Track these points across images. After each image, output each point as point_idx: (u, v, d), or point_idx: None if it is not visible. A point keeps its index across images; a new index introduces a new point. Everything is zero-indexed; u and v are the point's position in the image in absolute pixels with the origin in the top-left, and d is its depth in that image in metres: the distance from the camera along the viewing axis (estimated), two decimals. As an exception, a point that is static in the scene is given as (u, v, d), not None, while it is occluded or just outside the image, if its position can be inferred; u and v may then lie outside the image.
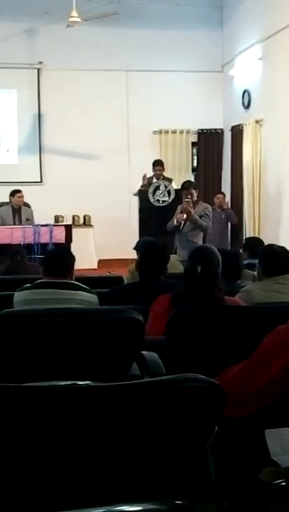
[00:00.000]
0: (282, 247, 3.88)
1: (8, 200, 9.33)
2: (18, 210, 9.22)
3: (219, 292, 3.18)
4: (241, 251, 5.90)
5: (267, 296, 3.64)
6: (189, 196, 7.73)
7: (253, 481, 1.85)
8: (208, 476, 1.90)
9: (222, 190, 11.61)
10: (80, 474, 1.55)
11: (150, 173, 9.63)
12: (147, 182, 9.49)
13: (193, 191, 7.80)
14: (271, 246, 4.01)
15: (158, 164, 9.68)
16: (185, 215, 7.64)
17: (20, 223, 9.10)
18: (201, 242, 7.66)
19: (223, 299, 3.17)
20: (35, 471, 1.52)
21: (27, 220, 9.17)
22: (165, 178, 9.54)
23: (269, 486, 1.66)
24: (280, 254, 3.76)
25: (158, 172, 9.54)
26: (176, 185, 9.42)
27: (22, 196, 9.19)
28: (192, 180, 10.85)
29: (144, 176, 9.59)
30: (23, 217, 9.19)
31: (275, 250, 3.82)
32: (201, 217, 7.66)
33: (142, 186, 9.47)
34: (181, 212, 7.70)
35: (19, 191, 9.19)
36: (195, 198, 7.81)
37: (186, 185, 7.94)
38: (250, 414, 2.03)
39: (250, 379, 2.05)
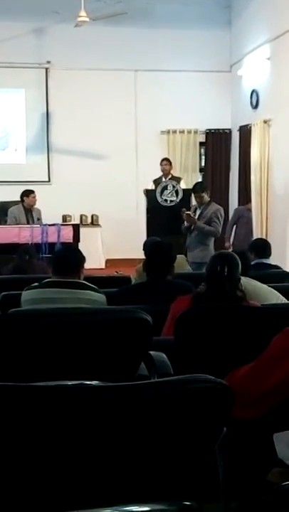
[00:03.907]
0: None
1: (16, 199, 9.30)
2: (29, 209, 9.21)
3: (242, 294, 3.16)
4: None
5: None
6: (193, 205, 7.77)
7: (262, 482, 1.84)
8: (217, 477, 1.89)
9: (229, 190, 11.57)
10: (88, 474, 1.54)
11: (158, 174, 9.62)
12: (156, 182, 9.49)
13: (204, 194, 7.74)
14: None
15: (164, 159, 9.71)
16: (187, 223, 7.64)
17: (33, 223, 9.10)
18: (212, 244, 7.62)
19: (246, 301, 3.16)
20: (43, 470, 1.52)
21: (38, 219, 9.17)
22: (174, 177, 9.52)
23: (278, 487, 1.65)
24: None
25: (164, 167, 9.52)
26: (185, 184, 9.41)
27: (36, 197, 9.18)
28: (200, 180, 10.85)
29: None
30: (34, 217, 9.18)
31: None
32: (211, 219, 7.57)
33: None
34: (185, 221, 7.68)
35: (33, 192, 9.13)
36: (208, 199, 7.76)
37: (197, 189, 7.90)
38: (258, 417, 2.02)
39: (258, 380, 2.04)
